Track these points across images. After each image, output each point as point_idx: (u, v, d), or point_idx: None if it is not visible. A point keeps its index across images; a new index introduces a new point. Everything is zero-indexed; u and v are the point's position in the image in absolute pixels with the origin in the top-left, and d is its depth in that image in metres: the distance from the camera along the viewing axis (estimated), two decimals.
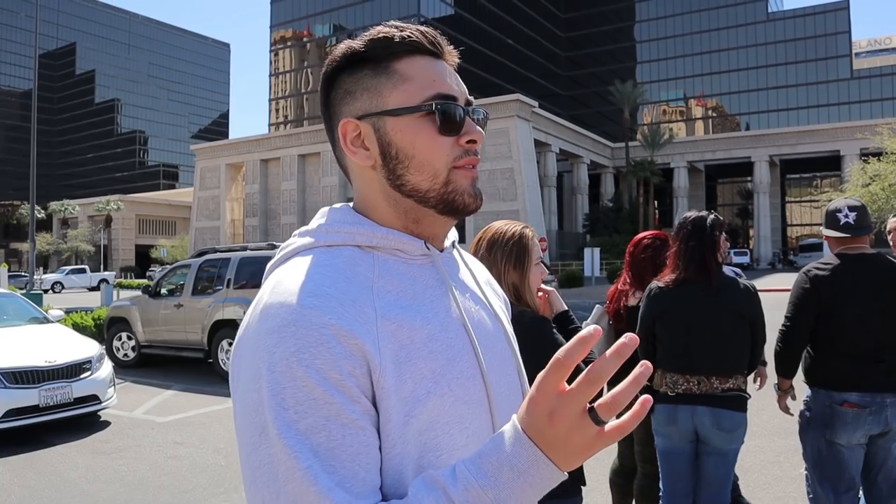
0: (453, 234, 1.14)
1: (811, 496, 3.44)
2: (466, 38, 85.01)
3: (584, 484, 2.37)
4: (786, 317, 3.42)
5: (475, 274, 1.15)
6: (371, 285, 0.95)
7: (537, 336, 2.19)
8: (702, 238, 3.30)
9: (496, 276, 2.28)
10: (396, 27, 1.01)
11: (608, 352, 0.73)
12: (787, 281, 30.03)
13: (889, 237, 4.62)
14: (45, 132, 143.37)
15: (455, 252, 1.14)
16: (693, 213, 3.43)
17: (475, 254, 2.36)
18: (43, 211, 74.51)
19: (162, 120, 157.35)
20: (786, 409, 3.64)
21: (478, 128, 1.03)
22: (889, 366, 3.28)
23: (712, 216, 3.39)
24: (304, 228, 1.05)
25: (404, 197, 1.01)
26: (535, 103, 49.78)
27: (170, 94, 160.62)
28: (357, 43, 1.01)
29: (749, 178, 67.77)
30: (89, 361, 7.67)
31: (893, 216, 4.68)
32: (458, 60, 1.08)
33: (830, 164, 62.63)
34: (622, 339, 0.73)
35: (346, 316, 0.88)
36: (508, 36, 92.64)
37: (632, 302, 3.88)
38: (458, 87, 1.03)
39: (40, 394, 7.09)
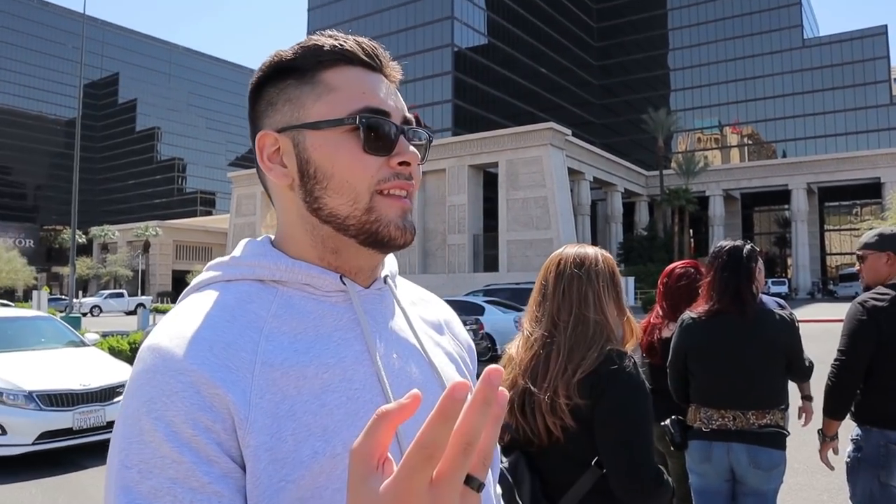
0: (390, 266, 1.00)
1: None
2: (499, 67, 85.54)
3: None
4: (840, 350, 3.24)
5: (409, 314, 0.97)
6: (261, 325, 0.83)
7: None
8: (737, 268, 3.19)
9: (594, 303, 2.07)
10: (331, 36, 0.91)
11: (472, 400, 0.51)
12: (827, 311, 29.39)
13: None
14: (87, 159, 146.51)
15: (390, 287, 0.98)
16: (728, 243, 3.34)
17: (557, 277, 2.12)
18: (84, 236, 75.96)
19: (200, 147, 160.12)
20: (828, 463, 3.44)
21: (412, 149, 0.89)
22: None
23: (748, 246, 3.29)
24: (215, 261, 0.94)
25: (322, 223, 0.89)
26: (569, 131, 49.71)
27: (208, 122, 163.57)
28: (286, 51, 0.92)
29: (786, 207, 66.69)
30: (123, 385, 7.70)
31: None
32: (400, 76, 0.95)
33: (870, 192, 61.40)
34: (483, 376, 0.51)
35: (212, 362, 0.77)
36: (541, 64, 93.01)
37: (666, 333, 3.77)
38: (395, 103, 0.91)
39: (74, 417, 7.15)
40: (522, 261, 45.89)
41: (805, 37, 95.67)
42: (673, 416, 3.33)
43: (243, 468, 0.76)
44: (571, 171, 50.63)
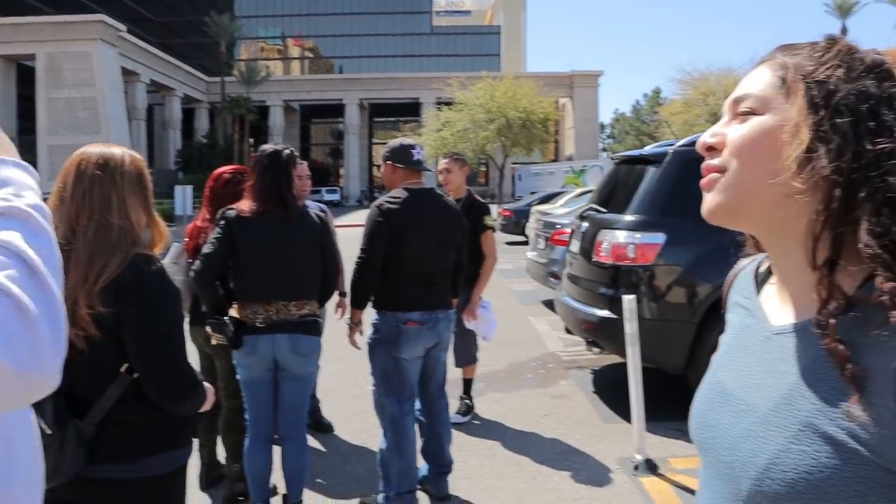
0: None
1: (378, 407, 3.83)
2: None
3: (197, 436, 2.29)
4: (361, 249, 3.67)
5: None
6: None
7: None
8: (278, 171, 3.37)
9: (118, 207, 1.95)
10: None
11: None
12: None
13: (440, 176, 5.27)
14: None
15: None
16: (269, 147, 3.49)
17: (77, 179, 1.96)
18: None
19: None
20: (355, 344, 3.94)
21: None
22: (440, 287, 3.80)
23: (287, 150, 3.48)
24: None
25: None
26: (123, 27, 45.70)
27: None
28: None
29: (341, 120, 71.07)
30: None
31: (444, 157, 5.35)
32: None
33: (412, 111, 68.52)
34: None
35: None
36: None
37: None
38: None
39: None
40: None
41: None
42: (226, 316, 3.40)
43: None
44: (125, 72, 46.89)
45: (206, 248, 3.36)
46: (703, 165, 0.89)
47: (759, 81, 0.86)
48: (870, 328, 0.72)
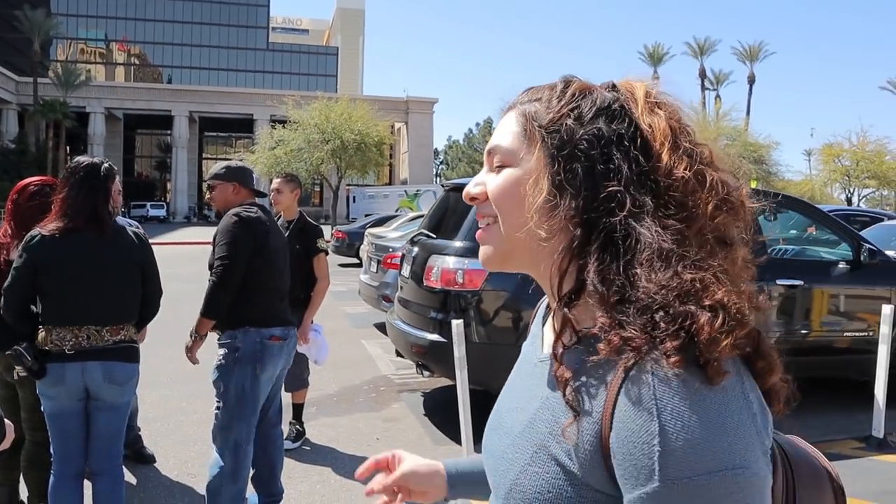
0: None
1: (222, 431, 3.52)
2: None
3: None
4: (222, 257, 3.47)
5: None
6: None
7: None
8: (94, 186, 3.16)
9: None
10: None
11: None
12: (202, 234, 31.14)
13: (271, 195, 5.19)
14: None
15: None
16: (86, 159, 3.26)
17: None
18: None
19: None
20: (194, 359, 3.64)
21: None
22: (286, 305, 3.79)
23: (106, 164, 3.28)
24: None
25: None
26: None
27: None
28: None
29: (169, 132, 67.93)
30: None
31: (277, 177, 5.29)
32: None
33: (245, 126, 66.72)
34: None
35: None
36: None
37: (15, 255, 3.50)
38: None
39: None
40: None
41: None
42: (24, 343, 3.10)
43: None
44: None
45: (7, 282, 3.08)
46: (477, 214, 0.93)
47: (507, 133, 0.89)
48: (589, 357, 0.77)
